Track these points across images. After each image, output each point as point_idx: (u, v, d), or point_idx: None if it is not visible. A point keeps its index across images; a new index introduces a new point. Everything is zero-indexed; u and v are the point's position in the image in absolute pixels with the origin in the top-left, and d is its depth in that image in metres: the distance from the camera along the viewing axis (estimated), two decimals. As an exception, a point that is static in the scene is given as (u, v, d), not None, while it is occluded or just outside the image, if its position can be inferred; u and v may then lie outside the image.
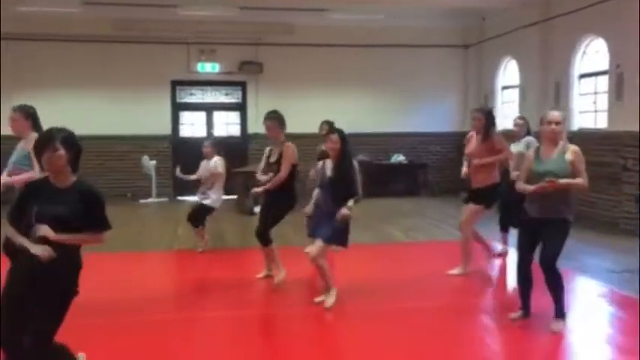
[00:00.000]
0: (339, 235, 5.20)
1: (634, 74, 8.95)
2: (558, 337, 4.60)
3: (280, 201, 5.83)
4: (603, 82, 10.06)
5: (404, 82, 13.85)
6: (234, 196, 11.44)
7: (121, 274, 6.55)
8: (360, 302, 5.44)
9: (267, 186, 5.80)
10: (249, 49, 13.49)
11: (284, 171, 5.74)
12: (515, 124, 7.49)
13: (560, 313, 4.69)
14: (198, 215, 7.53)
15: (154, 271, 7.00)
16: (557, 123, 4.60)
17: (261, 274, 6.22)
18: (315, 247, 5.15)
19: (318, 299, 5.31)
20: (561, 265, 4.68)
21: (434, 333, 4.76)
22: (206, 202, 7.47)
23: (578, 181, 4.54)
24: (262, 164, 6.07)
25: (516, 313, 4.89)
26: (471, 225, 6.38)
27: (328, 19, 12.79)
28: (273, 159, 5.91)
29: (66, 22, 12.39)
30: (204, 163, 7.65)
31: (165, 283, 6.40)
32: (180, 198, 13.03)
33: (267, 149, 6.09)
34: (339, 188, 5.12)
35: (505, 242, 7.36)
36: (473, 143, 6.36)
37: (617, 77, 9.36)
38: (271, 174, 5.84)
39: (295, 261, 6.06)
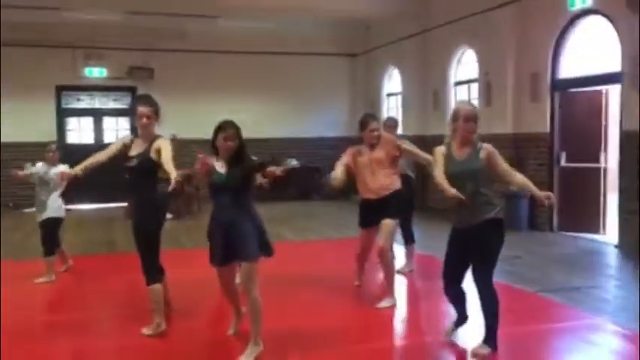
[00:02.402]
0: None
1: (501, 82, 9.86)
2: (439, 321, 5.00)
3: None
4: (475, 89, 10.97)
5: (295, 88, 14.28)
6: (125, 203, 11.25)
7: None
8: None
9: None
10: (139, 54, 13.33)
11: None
12: (388, 126, 6.60)
13: (488, 338, 4.03)
14: (54, 233, 6.42)
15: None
16: (474, 120, 3.99)
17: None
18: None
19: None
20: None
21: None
22: (55, 214, 6.39)
23: (529, 183, 4.09)
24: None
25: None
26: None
27: (219, 26, 12.93)
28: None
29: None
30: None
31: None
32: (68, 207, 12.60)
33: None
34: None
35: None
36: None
37: (486, 85, 10.27)
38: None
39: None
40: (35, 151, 12.70)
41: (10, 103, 12.49)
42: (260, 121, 13.67)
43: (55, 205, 6.36)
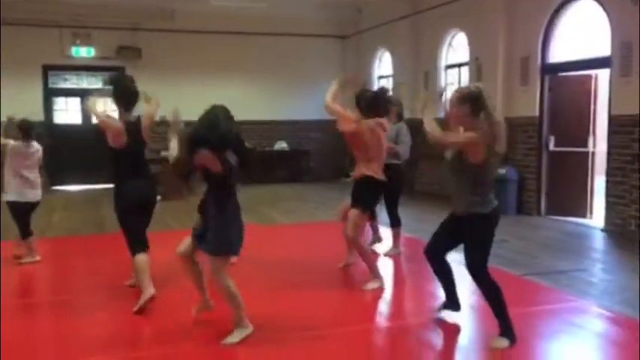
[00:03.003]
0: None
1: (491, 65, 9.85)
2: (425, 302, 5.05)
3: None
4: (466, 72, 10.95)
5: (286, 70, 14.18)
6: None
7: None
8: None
9: None
10: (126, 33, 13.18)
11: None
12: None
13: (503, 330, 3.90)
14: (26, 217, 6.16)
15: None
16: (457, 104, 3.88)
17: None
18: None
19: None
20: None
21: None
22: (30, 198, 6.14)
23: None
24: None
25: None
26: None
27: (210, 6, 12.79)
28: None
29: None
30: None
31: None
32: (55, 188, 12.55)
33: None
34: None
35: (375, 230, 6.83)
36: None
37: (477, 69, 10.25)
38: None
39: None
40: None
41: (-4, 82, 12.33)
42: (250, 103, 13.59)
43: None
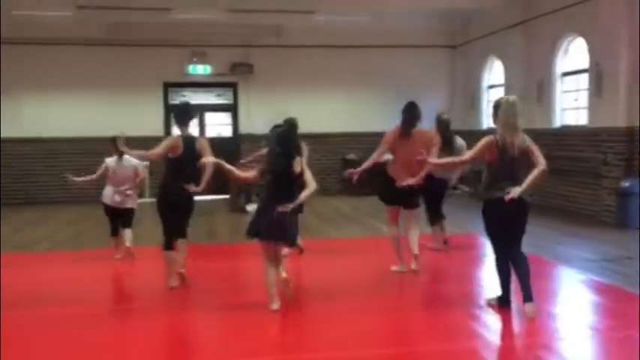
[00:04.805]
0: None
1: (613, 72, 9.26)
2: (542, 322, 4.79)
3: None
4: (584, 80, 10.36)
5: (392, 82, 14.09)
6: (227, 195, 11.67)
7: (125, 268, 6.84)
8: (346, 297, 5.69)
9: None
10: (239, 50, 13.74)
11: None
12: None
13: (528, 297, 4.66)
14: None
15: (149, 264, 7.19)
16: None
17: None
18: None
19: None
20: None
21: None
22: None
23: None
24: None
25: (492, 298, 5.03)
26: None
27: (316, 21, 13.05)
28: None
29: (61, 26, 12.61)
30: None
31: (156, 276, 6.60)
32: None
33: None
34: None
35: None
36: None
37: (597, 75, 9.67)
38: None
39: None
40: (144, 144, 13.52)
41: (120, 98, 13.29)
42: (357, 115, 13.70)
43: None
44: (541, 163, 4.60)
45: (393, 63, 14.10)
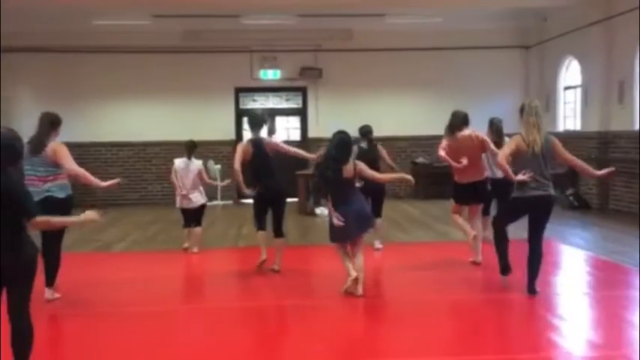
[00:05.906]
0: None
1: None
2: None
3: None
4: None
5: (464, 84, 13.83)
6: (296, 199, 11.77)
7: (190, 269, 7.03)
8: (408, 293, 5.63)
9: None
10: (308, 55, 13.85)
11: None
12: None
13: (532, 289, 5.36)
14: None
15: (221, 265, 7.35)
16: None
17: None
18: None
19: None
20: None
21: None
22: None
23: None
24: None
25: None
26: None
27: (386, 24, 12.98)
28: None
29: (137, 34, 13.11)
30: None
31: (233, 276, 6.75)
32: (243, 201, 13.49)
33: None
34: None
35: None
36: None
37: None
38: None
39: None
40: (216, 148, 13.89)
41: (194, 103, 13.67)
42: (427, 118, 13.49)
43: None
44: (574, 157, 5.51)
45: (465, 65, 13.83)
